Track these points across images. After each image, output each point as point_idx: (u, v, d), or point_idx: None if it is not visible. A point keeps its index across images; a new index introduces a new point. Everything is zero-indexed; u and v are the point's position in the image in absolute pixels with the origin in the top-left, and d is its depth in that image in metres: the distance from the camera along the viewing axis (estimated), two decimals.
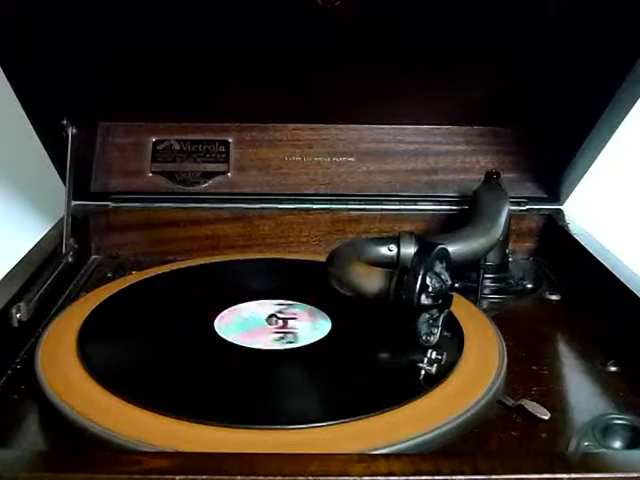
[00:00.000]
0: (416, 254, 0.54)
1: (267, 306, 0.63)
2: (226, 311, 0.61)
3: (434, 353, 0.52)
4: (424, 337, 0.54)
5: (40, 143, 0.74)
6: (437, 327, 0.55)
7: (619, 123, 0.71)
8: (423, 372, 0.51)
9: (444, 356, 0.52)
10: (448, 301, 0.55)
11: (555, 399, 0.52)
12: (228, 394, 0.50)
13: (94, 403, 0.47)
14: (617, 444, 0.47)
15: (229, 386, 0.51)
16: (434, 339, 0.55)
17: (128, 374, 0.52)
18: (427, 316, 0.54)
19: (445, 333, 0.56)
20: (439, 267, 0.55)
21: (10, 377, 0.54)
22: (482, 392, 0.49)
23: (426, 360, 0.51)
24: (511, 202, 0.74)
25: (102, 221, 0.81)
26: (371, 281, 0.56)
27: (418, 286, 0.52)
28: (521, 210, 0.81)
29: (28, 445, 0.46)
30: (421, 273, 0.52)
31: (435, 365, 0.51)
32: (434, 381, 0.50)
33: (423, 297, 0.53)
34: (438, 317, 0.55)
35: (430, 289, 0.53)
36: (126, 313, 0.62)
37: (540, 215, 0.82)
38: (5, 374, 0.54)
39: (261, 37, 0.70)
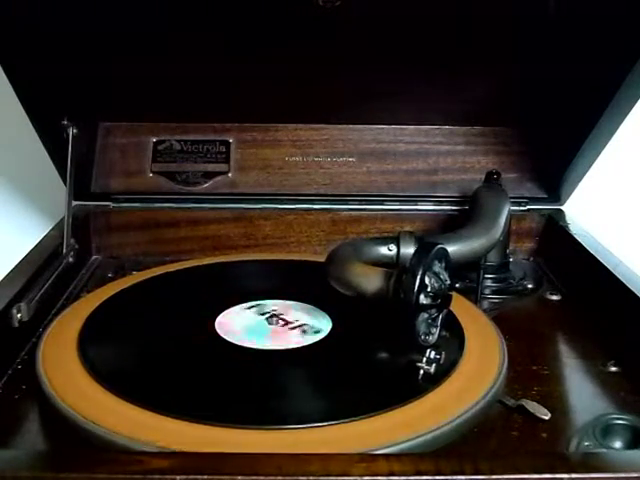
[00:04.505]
0: (415, 254, 0.54)
1: (244, 311, 0.62)
2: (225, 318, 0.61)
3: (433, 353, 0.52)
4: (423, 337, 0.54)
5: (41, 143, 0.74)
6: (436, 327, 0.55)
7: (620, 123, 0.71)
8: (422, 372, 0.51)
9: (443, 355, 0.52)
10: (447, 301, 0.55)
11: (555, 399, 0.52)
12: (228, 394, 0.50)
13: (95, 403, 0.48)
14: (617, 444, 0.47)
15: (229, 386, 0.51)
16: (433, 339, 0.55)
17: (129, 374, 0.52)
18: (426, 316, 0.54)
19: (444, 333, 0.56)
20: (438, 267, 0.55)
21: (11, 377, 0.54)
22: (483, 392, 0.49)
23: (425, 360, 0.51)
24: (512, 202, 0.74)
25: (103, 221, 0.81)
26: (370, 281, 0.56)
27: (417, 286, 0.52)
28: (522, 210, 0.81)
29: (29, 445, 0.47)
30: (420, 273, 0.52)
31: (434, 365, 0.51)
32: (435, 381, 0.50)
33: (422, 297, 0.53)
34: (437, 317, 0.55)
35: (429, 289, 0.53)
36: (127, 313, 0.62)
37: (541, 215, 0.82)
38: (6, 374, 0.54)
39: (261, 37, 0.70)
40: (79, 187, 0.75)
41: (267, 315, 0.61)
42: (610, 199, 0.93)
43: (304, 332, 0.58)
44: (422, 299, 0.53)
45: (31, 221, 0.93)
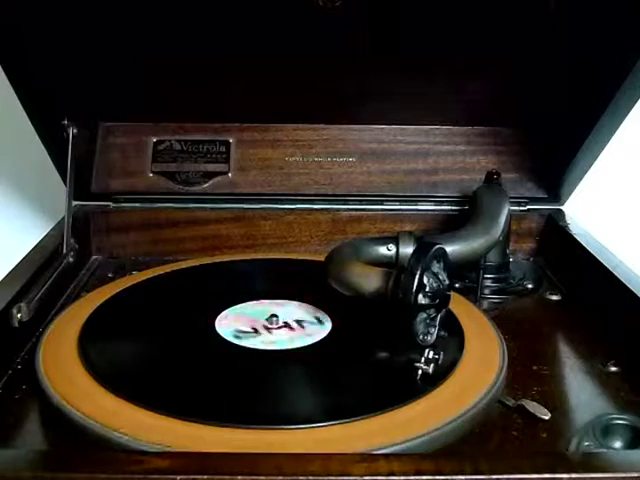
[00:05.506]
0: (413, 254, 0.54)
1: (244, 310, 0.62)
2: (224, 318, 0.61)
3: (431, 352, 0.52)
4: (421, 337, 0.54)
5: (41, 143, 0.74)
6: (434, 327, 0.55)
7: (619, 123, 0.71)
8: (420, 371, 0.51)
9: (441, 355, 0.52)
10: (445, 301, 0.55)
11: (555, 399, 0.52)
12: (228, 394, 0.50)
13: (95, 403, 0.48)
14: (617, 444, 0.47)
15: (229, 386, 0.52)
16: (431, 338, 0.55)
17: (129, 374, 0.52)
18: (424, 315, 0.54)
19: (442, 333, 0.56)
20: (436, 267, 0.55)
21: (11, 377, 0.54)
22: (483, 392, 0.49)
23: (423, 359, 0.51)
24: (511, 202, 0.74)
25: (103, 221, 0.81)
26: (369, 281, 0.56)
27: (415, 286, 0.52)
28: (522, 210, 0.81)
29: (29, 445, 0.47)
30: (418, 273, 0.52)
31: (432, 365, 0.51)
32: (434, 381, 0.50)
33: (420, 297, 0.53)
34: (435, 317, 0.55)
35: (427, 289, 0.53)
36: (127, 313, 0.62)
37: (540, 215, 0.82)
38: (6, 374, 0.54)
39: (261, 37, 0.70)
40: (79, 187, 0.75)
41: (266, 315, 0.61)
42: (610, 199, 0.93)
43: (312, 323, 0.58)
44: (420, 299, 0.53)
45: (31, 221, 0.93)
